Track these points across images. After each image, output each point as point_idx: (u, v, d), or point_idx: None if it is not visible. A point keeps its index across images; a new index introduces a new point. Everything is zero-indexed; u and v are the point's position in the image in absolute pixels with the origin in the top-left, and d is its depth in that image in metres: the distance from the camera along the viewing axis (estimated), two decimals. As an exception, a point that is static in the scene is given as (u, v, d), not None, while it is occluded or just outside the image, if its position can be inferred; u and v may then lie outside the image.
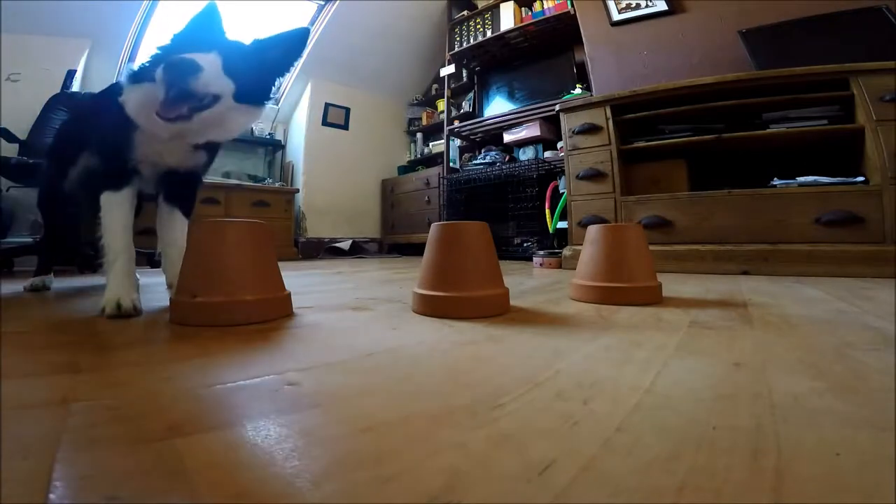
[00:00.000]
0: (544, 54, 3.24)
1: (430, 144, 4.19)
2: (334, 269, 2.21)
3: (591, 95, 2.49)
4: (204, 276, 0.74)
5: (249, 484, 0.25)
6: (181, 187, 0.98)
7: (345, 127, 4.07)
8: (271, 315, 0.78)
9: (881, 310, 0.86)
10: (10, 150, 2.19)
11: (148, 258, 2.33)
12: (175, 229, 0.97)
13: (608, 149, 2.09)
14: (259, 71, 0.88)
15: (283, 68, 0.92)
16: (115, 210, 0.86)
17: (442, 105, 3.86)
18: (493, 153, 3.29)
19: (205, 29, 0.85)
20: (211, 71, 0.78)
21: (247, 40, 0.90)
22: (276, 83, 0.94)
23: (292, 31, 0.91)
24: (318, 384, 0.44)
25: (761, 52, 2.07)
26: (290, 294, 0.87)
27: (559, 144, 2.70)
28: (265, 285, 0.79)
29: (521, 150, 3.19)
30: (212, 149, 0.98)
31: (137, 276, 0.91)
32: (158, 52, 0.84)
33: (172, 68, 0.74)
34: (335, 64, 3.80)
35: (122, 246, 0.85)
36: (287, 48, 0.90)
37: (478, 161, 3.37)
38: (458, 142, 3.74)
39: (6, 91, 2.46)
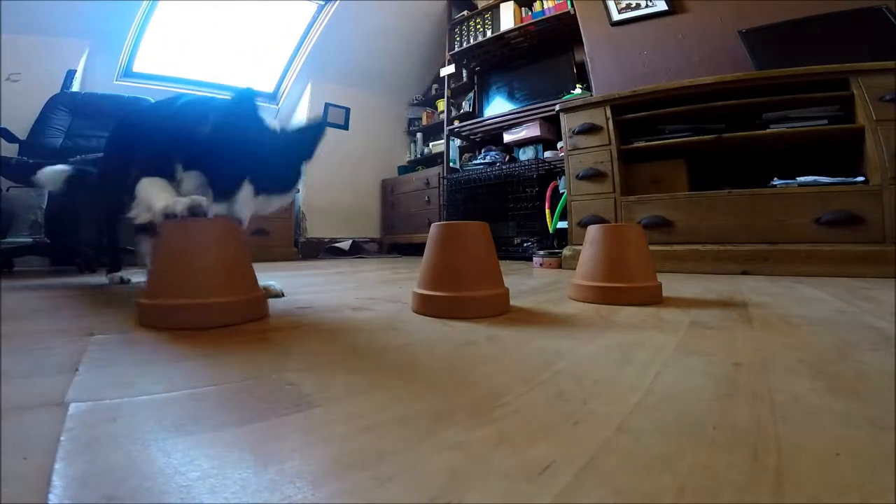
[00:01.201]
0: (544, 54, 3.24)
1: (430, 144, 4.18)
2: (334, 269, 2.21)
3: (591, 95, 2.49)
4: (171, 277, 0.72)
5: (249, 484, 0.25)
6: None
7: (345, 127, 4.07)
8: (242, 318, 0.74)
9: (881, 310, 0.86)
10: (10, 150, 2.18)
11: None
12: None
13: (608, 149, 2.09)
14: (286, 163, 0.94)
15: (307, 155, 0.99)
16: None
17: (442, 105, 3.86)
18: (493, 153, 3.29)
19: (243, 118, 0.88)
20: (247, 211, 0.87)
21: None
22: (303, 167, 1.00)
23: (313, 123, 0.99)
24: (318, 384, 0.44)
25: (761, 52, 2.06)
26: (263, 295, 0.83)
27: (559, 144, 2.69)
28: (236, 286, 0.75)
29: (521, 150, 3.19)
30: None
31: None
32: (206, 137, 0.87)
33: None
34: (335, 64, 3.80)
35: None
36: (308, 137, 0.98)
37: (478, 161, 3.37)
38: (458, 142, 3.74)
39: (6, 91, 2.46)
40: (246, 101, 0.87)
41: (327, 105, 3.92)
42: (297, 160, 0.97)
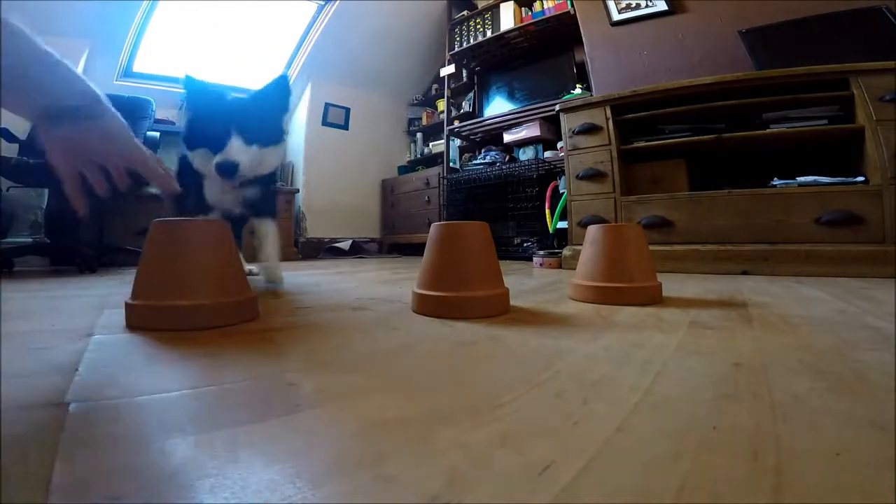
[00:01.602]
0: (544, 54, 3.24)
1: (430, 144, 4.19)
2: (334, 269, 2.21)
3: (591, 95, 2.49)
4: (159, 278, 0.71)
5: (249, 484, 0.25)
6: (259, 203, 1.21)
7: (345, 127, 4.07)
8: (232, 319, 0.73)
9: (881, 310, 0.86)
10: (10, 150, 2.18)
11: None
12: (262, 228, 1.25)
13: (608, 149, 2.09)
14: (264, 117, 1.08)
15: (281, 109, 1.14)
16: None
17: (442, 105, 3.86)
18: (493, 153, 3.29)
19: (211, 98, 1.06)
20: (242, 158, 1.01)
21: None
22: (284, 121, 1.16)
23: (274, 79, 1.12)
24: (318, 384, 0.44)
25: (761, 52, 2.06)
26: (255, 297, 0.82)
27: (559, 144, 2.69)
28: (226, 288, 0.74)
29: (521, 150, 3.19)
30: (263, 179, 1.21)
31: None
32: (188, 123, 1.08)
33: (222, 171, 0.99)
34: (335, 64, 3.80)
35: None
36: (276, 93, 1.12)
37: (478, 161, 3.37)
38: (458, 142, 3.74)
39: (6, 91, 2.46)
40: (189, 86, 1.05)
41: (327, 105, 3.92)
42: (272, 114, 1.10)
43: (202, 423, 0.34)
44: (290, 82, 1.14)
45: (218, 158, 0.97)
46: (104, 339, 0.64)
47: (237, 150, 0.99)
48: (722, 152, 2.04)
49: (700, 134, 1.95)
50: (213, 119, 1.01)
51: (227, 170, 0.98)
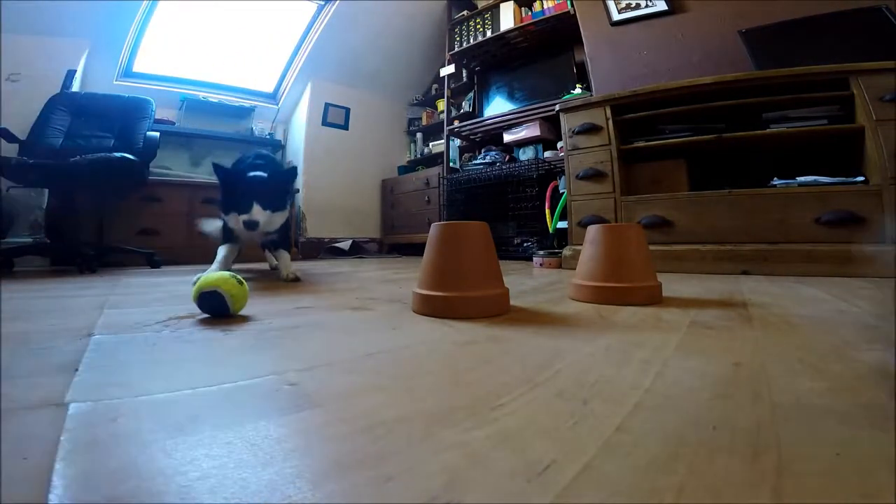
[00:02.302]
0: (544, 54, 3.24)
1: (430, 144, 4.18)
2: (334, 269, 2.21)
3: (591, 95, 2.49)
4: None
5: (249, 484, 0.25)
6: (274, 241, 1.72)
7: (345, 127, 4.07)
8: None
9: (881, 310, 0.86)
10: (10, 150, 2.18)
11: (147, 258, 2.34)
12: (278, 255, 1.75)
13: (608, 149, 2.09)
14: (275, 192, 1.50)
15: (287, 187, 1.61)
16: (225, 249, 1.57)
17: (442, 105, 3.86)
18: (493, 153, 3.29)
19: (237, 177, 1.50)
20: (261, 218, 1.43)
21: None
22: (289, 194, 1.61)
23: (288, 168, 1.65)
24: (318, 384, 0.44)
25: (761, 52, 2.06)
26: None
27: (559, 144, 2.69)
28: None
29: (521, 150, 3.19)
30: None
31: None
32: (222, 195, 1.52)
33: (247, 226, 1.42)
34: (335, 64, 3.80)
35: (221, 258, 1.54)
36: (286, 177, 1.62)
37: (478, 161, 3.37)
38: (458, 142, 3.74)
39: (6, 91, 2.46)
40: (219, 172, 1.49)
41: (327, 105, 3.92)
42: (280, 190, 1.55)
43: (202, 423, 0.34)
44: (298, 170, 1.63)
45: (244, 218, 1.42)
46: (104, 339, 0.64)
47: (257, 212, 1.43)
48: (722, 152, 2.04)
49: (700, 134, 1.95)
50: (240, 192, 1.45)
51: (252, 225, 1.42)
